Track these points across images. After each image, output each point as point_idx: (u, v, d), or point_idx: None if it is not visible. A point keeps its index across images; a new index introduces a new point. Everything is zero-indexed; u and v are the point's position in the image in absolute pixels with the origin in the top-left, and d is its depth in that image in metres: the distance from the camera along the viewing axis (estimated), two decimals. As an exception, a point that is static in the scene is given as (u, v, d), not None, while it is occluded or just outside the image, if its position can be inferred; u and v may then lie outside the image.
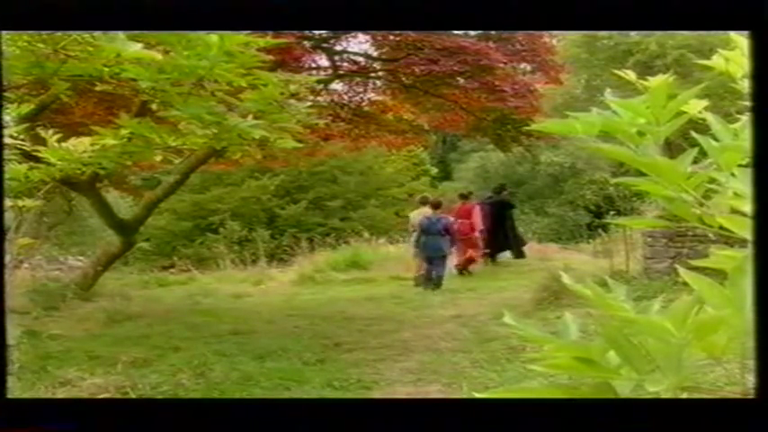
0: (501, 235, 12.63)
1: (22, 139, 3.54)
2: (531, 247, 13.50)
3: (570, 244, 16.30)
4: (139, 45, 2.43)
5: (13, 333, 5.07)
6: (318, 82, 10.08)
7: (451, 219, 10.96)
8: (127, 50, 2.44)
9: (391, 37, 10.20)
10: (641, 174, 1.01)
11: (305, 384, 5.27)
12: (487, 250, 12.47)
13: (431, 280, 10.25)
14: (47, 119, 6.80)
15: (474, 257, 11.97)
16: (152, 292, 11.36)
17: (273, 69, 4.00)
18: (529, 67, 12.24)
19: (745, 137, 0.99)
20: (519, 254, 12.83)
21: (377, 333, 7.22)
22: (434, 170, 24.01)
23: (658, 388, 0.84)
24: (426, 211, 10.92)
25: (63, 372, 5.37)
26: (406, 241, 13.15)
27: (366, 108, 12.14)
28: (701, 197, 0.98)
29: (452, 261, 11.36)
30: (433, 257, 10.29)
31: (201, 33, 2.86)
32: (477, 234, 12.03)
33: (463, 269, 11.69)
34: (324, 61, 11.22)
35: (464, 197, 12.73)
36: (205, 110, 3.38)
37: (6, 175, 3.15)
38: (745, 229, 0.93)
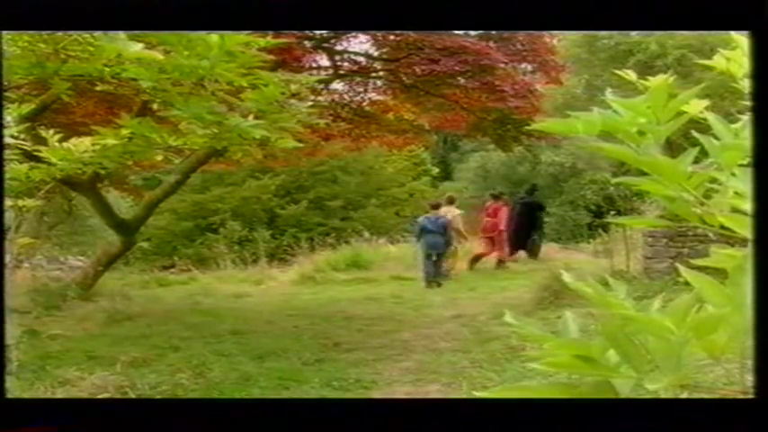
0: (524, 235, 12.84)
1: (23, 139, 3.54)
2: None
3: (571, 244, 16.34)
4: (140, 45, 2.44)
5: (13, 333, 5.08)
6: (319, 82, 10.07)
7: (450, 218, 11.18)
8: (128, 50, 2.44)
9: (392, 37, 10.19)
10: (642, 173, 1.01)
11: (304, 384, 5.27)
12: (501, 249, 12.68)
13: (430, 276, 10.73)
14: (47, 119, 6.82)
15: (501, 257, 12.39)
16: (152, 291, 11.34)
17: (274, 69, 4.00)
18: (529, 67, 12.22)
19: (746, 136, 0.99)
20: (533, 254, 13.03)
21: (377, 333, 7.22)
22: (435, 170, 23.99)
23: (658, 386, 0.84)
24: (451, 209, 11.50)
25: (62, 371, 5.37)
26: (407, 241, 13.23)
27: (367, 108, 12.14)
28: (701, 196, 0.97)
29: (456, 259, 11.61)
30: (431, 254, 10.86)
31: (202, 33, 2.86)
32: (497, 232, 12.36)
33: (496, 263, 12.26)
34: (324, 61, 11.22)
35: (495, 197, 13.16)
36: (206, 110, 3.38)
37: (7, 175, 3.15)
38: (745, 229, 0.93)
